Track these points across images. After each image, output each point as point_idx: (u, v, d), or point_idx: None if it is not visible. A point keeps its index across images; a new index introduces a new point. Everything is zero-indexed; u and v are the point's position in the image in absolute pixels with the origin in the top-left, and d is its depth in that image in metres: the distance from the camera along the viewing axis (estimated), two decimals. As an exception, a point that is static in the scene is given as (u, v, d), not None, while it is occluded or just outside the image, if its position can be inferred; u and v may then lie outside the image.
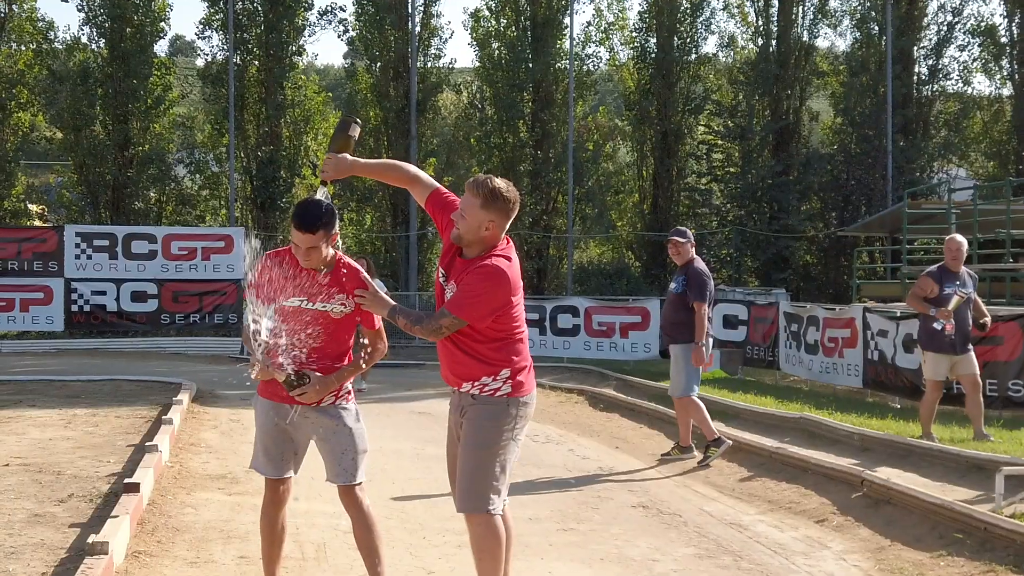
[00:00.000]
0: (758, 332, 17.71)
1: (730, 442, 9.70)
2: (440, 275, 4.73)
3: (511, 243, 4.72)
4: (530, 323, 21.95)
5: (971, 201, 21.00)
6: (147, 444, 8.67)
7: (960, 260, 9.79)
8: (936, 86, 30.83)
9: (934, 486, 7.81)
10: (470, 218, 4.54)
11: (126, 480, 7.11)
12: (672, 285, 9.98)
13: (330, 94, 32.42)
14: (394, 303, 4.78)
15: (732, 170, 30.27)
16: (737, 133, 30.03)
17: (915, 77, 30.55)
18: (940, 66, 30.59)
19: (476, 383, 4.65)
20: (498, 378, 4.65)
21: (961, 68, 31.33)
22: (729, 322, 18.41)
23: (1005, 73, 31.55)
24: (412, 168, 5.11)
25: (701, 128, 31.71)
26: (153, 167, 26.89)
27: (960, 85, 31.63)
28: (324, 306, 5.02)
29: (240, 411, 12.64)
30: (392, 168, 5.16)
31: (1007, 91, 32.09)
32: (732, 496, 8.38)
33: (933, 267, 9.97)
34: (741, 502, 8.15)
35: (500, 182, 4.60)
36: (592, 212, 31.44)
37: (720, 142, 30.96)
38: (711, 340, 9.83)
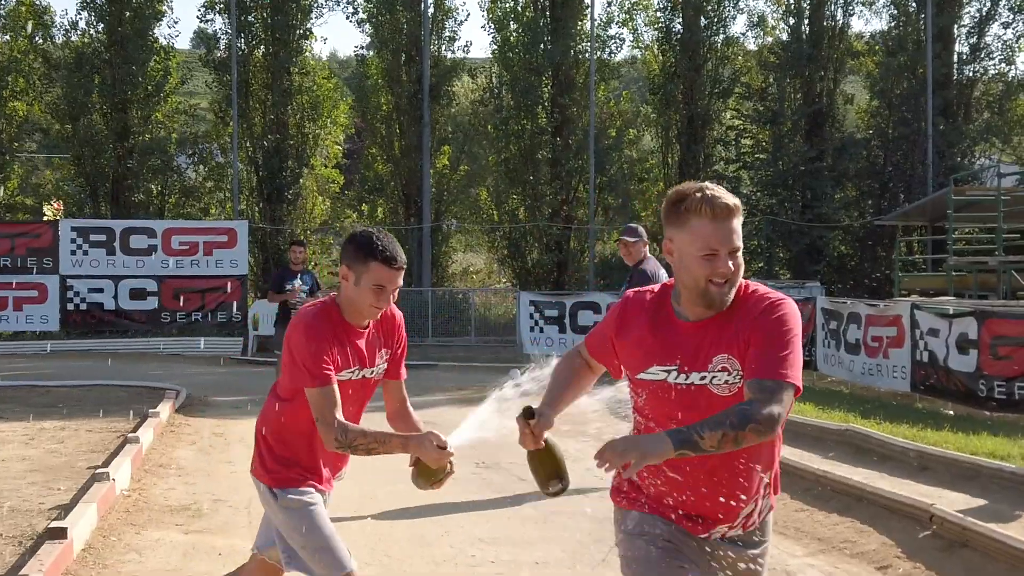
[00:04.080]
0: (793, 329, 16.48)
1: None
2: (660, 372, 3.12)
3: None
4: (549, 320, 21.06)
5: (1020, 187, 19.71)
6: (98, 472, 7.60)
7: None
8: (978, 66, 29.41)
9: (1007, 515, 6.73)
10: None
11: (51, 524, 6.01)
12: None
13: (340, 82, 31.30)
14: (670, 431, 2.86)
15: (762, 156, 29.21)
16: (767, 117, 28.91)
17: (955, 56, 29.19)
18: (982, 45, 29.16)
19: (757, 496, 3.16)
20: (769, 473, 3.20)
21: (1004, 47, 29.80)
22: (762, 318, 17.18)
23: (1052, 51, 30.12)
24: (581, 365, 3.48)
25: (729, 112, 30.61)
26: (154, 158, 25.89)
27: (1003, 65, 30.19)
28: (372, 371, 3.87)
29: (226, 422, 11.69)
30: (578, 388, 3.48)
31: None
32: (774, 531, 7.17)
33: None
34: (786, 539, 7.00)
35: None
36: (615, 202, 30.36)
37: (749, 127, 29.88)
38: None
